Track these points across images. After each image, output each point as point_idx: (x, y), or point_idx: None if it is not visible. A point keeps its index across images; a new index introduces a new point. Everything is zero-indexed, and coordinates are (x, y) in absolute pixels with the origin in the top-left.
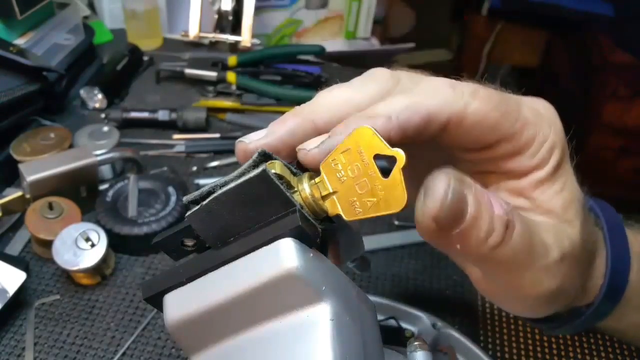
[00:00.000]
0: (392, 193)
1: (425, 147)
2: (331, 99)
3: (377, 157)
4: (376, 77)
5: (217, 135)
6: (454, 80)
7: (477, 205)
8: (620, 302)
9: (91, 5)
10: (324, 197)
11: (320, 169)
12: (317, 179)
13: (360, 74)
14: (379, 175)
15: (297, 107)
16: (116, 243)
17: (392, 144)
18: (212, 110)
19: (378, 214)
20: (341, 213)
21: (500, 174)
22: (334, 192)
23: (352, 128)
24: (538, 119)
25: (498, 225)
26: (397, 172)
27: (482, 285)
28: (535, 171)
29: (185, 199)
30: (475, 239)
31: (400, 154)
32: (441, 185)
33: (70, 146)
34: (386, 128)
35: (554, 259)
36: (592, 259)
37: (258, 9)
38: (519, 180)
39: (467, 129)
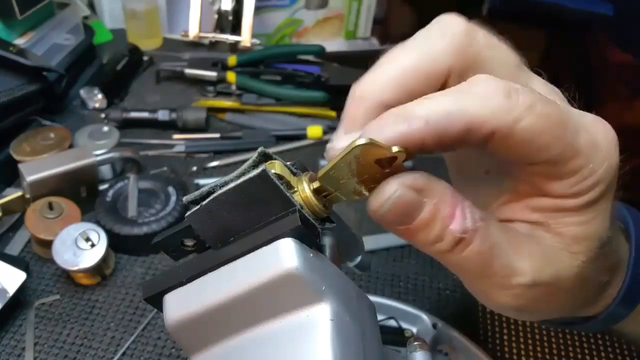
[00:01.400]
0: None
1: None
2: (394, 72)
3: (378, 162)
4: (446, 30)
5: (217, 135)
6: (512, 86)
7: (432, 215)
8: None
9: (91, 5)
10: (325, 196)
11: (319, 179)
12: (315, 184)
13: (360, 74)
14: (380, 169)
15: (358, 89)
16: (116, 243)
17: (426, 149)
18: (212, 110)
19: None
20: (345, 200)
21: (530, 187)
22: (336, 191)
23: (385, 131)
24: (592, 151)
25: (448, 238)
26: (399, 164)
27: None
28: (567, 199)
29: (185, 199)
30: (421, 240)
31: (401, 154)
32: (387, 190)
33: (70, 146)
34: (421, 133)
35: (520, 282)
36: (600, 285)
37: (258, 9)
38: (546, 200)
39: (512, 146)
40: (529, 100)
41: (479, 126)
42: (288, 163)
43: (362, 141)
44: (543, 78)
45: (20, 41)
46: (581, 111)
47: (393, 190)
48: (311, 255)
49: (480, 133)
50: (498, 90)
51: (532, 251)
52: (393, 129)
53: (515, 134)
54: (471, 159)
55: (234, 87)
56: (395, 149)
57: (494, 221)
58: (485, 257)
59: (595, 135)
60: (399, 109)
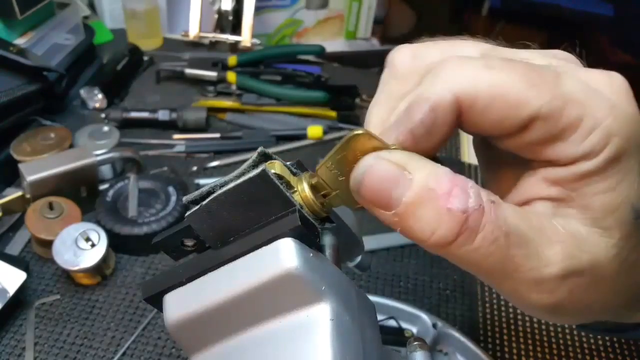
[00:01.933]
0: None
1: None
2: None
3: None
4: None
5: (217, 135)
6: (463, 57)
7: (421, 192)
8: None
9: (91, 5)
10: (324, 195)
11: (317, 174)
12: (314, 181)
13: (360, 74)
14: None
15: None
16: (116, 243)
17: (420, 149)
18: (212, 110)
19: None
20: (344, 205)
21: (541, 163)
22: (335, 190)
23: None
24: (589, 96)
25: (447, 222)
26: None
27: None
28: (582, 161)
29: (185, 199)
30: (416, 229)
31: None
32: (362, 163)
33: (71, 146)
34: (397, 140)
35: (551, 274)
36: None
37: (258, 9)
38: (560, 169)
39: (484, 109)
40: (483, 61)
41: (439, 101)
42: (288, 163)
43: (359, 131)
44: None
45: (20, 41)
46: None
47: (367, 162)
48: (311, 255)
49: (445, 108)
50: (449, 63)
51: (559, 235)
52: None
53: (479, 94)
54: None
55: (234, 87)
56: (391, 144)
57: (510, 205)
58: (502, 247)
59: (594, 83)
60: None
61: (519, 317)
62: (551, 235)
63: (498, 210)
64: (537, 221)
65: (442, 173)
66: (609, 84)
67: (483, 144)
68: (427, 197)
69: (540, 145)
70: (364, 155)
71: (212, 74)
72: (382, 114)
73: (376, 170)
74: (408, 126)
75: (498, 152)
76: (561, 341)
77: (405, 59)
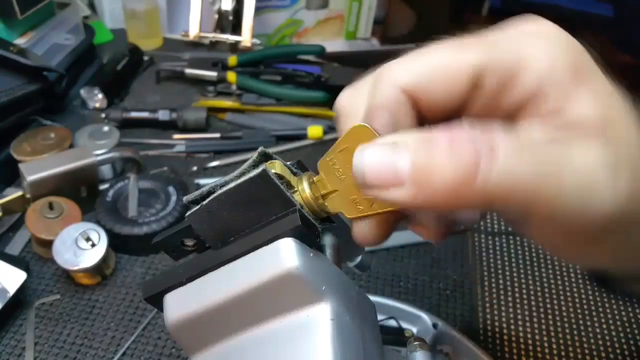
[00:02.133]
0: None
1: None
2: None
3: None
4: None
5: (217, 135)
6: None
7: (421, 148)
8: None
9: (91, 5)
10: (324, 196)
11: (318, 168)
12: (316, 178)
13: (360, 74)
14: None
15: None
16: (116, 243)
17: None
18: (212, 110)
19: (380, 211)
20: (343, 211)
21: (519, 116)
22: (334, 191)
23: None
24: (522, 36)
25: (460, 153)
26: None
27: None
28: (539, 96)
29: (185, 198)
30: (436, 182)
31: None
32: (356, 153)
33: (71, 146)
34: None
35: (601, 161)
36: None
37: (258, 9)
38: (535, 109)
39: (429, 89)
40: (413, 55)
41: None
42: (288, 163)
43: (359, 123)
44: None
45: (20, 41)
46: None
47: (361, 149)
48: (311, 255)
49: (396, 107)
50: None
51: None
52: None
53: (420, 80)
54: None
55: (234, 87)
56: None
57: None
58: (531, 161)
59: (528, 31)
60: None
61: (519, 317)
62: (578, 134)
63: (506, 130)
64: (552, 132)
65: (436, 128)
66: (543, 26)
67: None
68: (432, 147)
69: (500, 95)
70: None
71: (212, 74)
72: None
73: (372, 151)
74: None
75: None
76: (561, 341)
77: (346, 98)
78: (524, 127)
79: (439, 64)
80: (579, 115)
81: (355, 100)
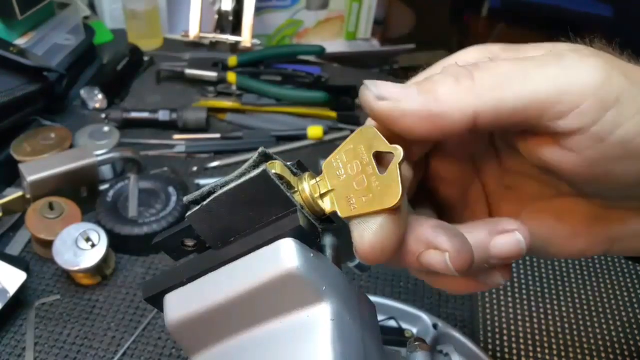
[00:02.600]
0: (388, 188)
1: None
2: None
3: (377, 154)
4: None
5: (217, 135)
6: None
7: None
8: None
9: (91, 5)
10: (322, 195)
11: (322, 167)
12: (317, 178)
13: (360, 74)
14: (377, 171)
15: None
16: (116, 243)
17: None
18: (212, 110)
19: (372, 210)
20: (337, 210)
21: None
22: (331, 190)
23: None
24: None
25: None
26: (393, 167)
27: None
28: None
29: (185, 198)
30: (441, 95)
31: (397, 150)
32: (362, 89)
33: (71, 146)
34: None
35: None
36: None
37: (258, 10)
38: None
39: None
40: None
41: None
42: (288, 163)
43: (367, 125)
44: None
45: (20, 41)
46: None
47: (366, 83)
48: (311, 255)
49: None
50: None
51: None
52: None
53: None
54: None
55: (234, 87)
56: (393, 145)
57: None
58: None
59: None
60: None
61: (519, 317)
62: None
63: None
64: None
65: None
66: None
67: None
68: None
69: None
70: (367, 151)
71: (212, 74)
72: None
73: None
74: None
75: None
76: (561, 341)
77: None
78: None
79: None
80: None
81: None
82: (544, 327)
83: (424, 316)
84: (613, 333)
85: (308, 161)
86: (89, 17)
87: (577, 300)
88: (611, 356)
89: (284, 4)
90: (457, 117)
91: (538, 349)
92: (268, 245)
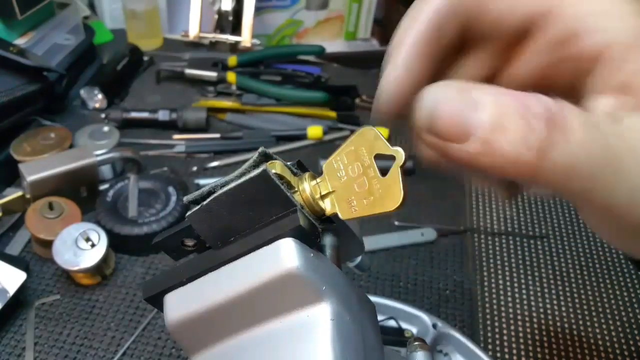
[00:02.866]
0: (389, 191)
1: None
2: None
3: (378, 157)
4: None
5: (217, 135)
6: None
7: (498, 108)
8: None
9: (91, 6)
10: (322, 197)
11: (323, 168)
12: (318, 179)
13: (360, 74)
14: (378, 174)
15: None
16: (116, 243)
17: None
18: (212, 111)
19: (373, 213)
20: (338, 212)
21: (579, 71)
22: (332, 191)
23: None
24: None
25: (537, 125)
26: (395, 170)
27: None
28: (607, 50)
29: (185, 198)
30: (505, 148)
31: (399, 153)
32: (427, 95)
33: (71, 146)
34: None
35: None
36: None
37: (258, 10)
38: (599, 71)
39: (483, 7)
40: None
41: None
42: (288, 163)
43: (369, 127)
44: None
45: (20, 41)
46: None
47: (434, 91)
48: (311, 255)
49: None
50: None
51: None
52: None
53: None
54: None
55: (234, 88)
56: (394, 147)
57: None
58: (600, 140)
59: None
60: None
61: (519, 317)
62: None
63: (572, 105)
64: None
65: (504, 89)
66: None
67: None
68: (508, 110)
69: (557, 46)
70: (369, 153)
71: (212, 74)
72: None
73: (448, 96)
74: (415, 31)
75: None
76: (561, 341)
77: (399, 30)
78: (596, 105)
79: None
80: None
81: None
82: (544, 327)
83: (424, 316)
84: (613, 333)
85: (308, 161)
86: (89, 17)
87: (577, 300)
88: (611, 356)
89: (284, 4)
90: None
91: (538, 349)
92: (268, 245)
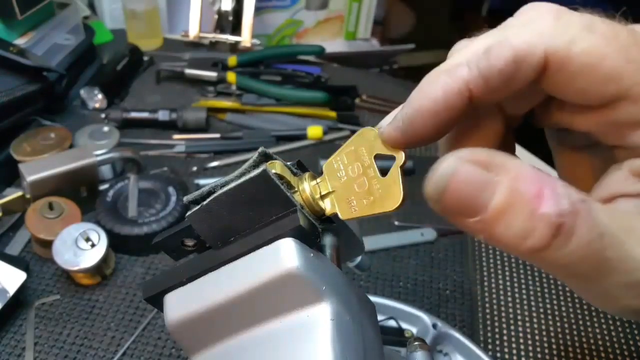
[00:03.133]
0: (389, 192)
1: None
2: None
3: (378, 157)
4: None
5: (217, 135)
6: (562, 8)
7: (511, 196)
8: None
9: (91, 6)
10: (322, 197)
11: (323, 168)
12: (318, 179)
13: (360, 74)
14: (378, 174)
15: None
16: (116, 243)
17: (477, 100)
18: (212, 111)
19: (373, 213)
20: (338, 212)
21: (627, 150)
22: (332, 191)
23: (433, 89)
24: None
25: (541, 227)
26: (395, 171)
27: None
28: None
29: (185, 198)
30: (505, 235)
31: (399, 153)
32: (442, 167)
33: (71, 146)
34: (465, 80)
35: None
36: None
37: (258, 10)
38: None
39: (573, 75)
40: (586, 20)
41: (526, 54)
42: (288, 163)
43: (369, 128)
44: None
45: (20, 41)
46: None
47: (448, 165)
48: (311, 255)
49: (530, 63)
50: (546, 11)
51: None
52: (439, 85)
53: (573, 58)
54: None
55: (234, 88)
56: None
57: (597, 203)
58: (598, 250)
59: None
60: (440, 66)
61: (519, 317)
62: None
63: (591, 210)
64: (626, 220)
65: (528, 173)
66: None
67: (557, 129)
68: (517, 201)
69: (626, 128)
70: (369, 153)
71: (212, 74)
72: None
73: (461, 173)
74: (483, 70)
75: (574, 137)
76: (561, 342)
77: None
78: (615, 210)
79: (599, 61)
80: None
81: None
82: (544, 327)
83: (424, 316)
84: (613, 333)
85: (308, 161)
86: (89, 17)
87: (577, 300)
88: (611, 356)
89: (284, 4)
90: None
91: (538, 349)
92: (268, 245)
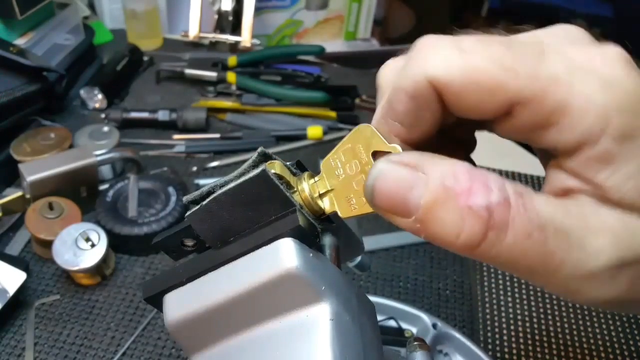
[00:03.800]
0: None
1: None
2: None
3: (375, 154)
4: None
5: (217, 135)
6: (441, 37)
7: (438, 192)
8: None
9: (91, 6)
10: (321, 195)
11: (321, 167)
12: (317, 178)
13: (360, 74)
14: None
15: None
16: (116, 243)
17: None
18: (212, 111)
19: (373, 210)
20: (337, 210)
21: (555, 151)
22: (331, 190)
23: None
24: (576, 75)
25: (471, 221)
26: None
27: None
28: (585, 148)
29: (185, 199)
30: (440, 233)
31: (396, 149)
32: (372, 171)
33: (71, 146)
34: (389, 132)
35: (601, 266)
36: None
37: (258, 10)
38: (570, 158)
39: (460, 95)
40: (458, 42)
41: (414, 89)
42: (288, 163)
43: (364, 124)
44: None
45: (20, 41)
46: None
47: (377, 168)
48: (311, 255)
49: (424, 95)
50: (426, 45)
51: (606, 224)
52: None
53: (454, 80)
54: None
55: (234, 88)
56: (392, 144)
57: (542, 195)
58: (538, 242)
59: (585, 59)
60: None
61: (519, 317)
62: (596, 225)
63: (527, 202)
64: (577, 211)
65: (459, 169)
66: (601, 59)
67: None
68: (446, 197)
69: (533, 131)
70: (366, 150)
71: (212, 74)
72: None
73: (387, 174)
74: (395, 119)
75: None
76: (561, 341)
77: (385, 70)
78: (547, 203)
79: (476, 76)
80: (619, 200)
81: (391, 75)
82: (544, 327)
83: (424, 316)
84: (613, 333)
85: (308, 161)
86: (89, 17)
87: None
88: (611, 356)
89: (283, 4)
90: None
91: (538, 349)
92: (267, 245)
